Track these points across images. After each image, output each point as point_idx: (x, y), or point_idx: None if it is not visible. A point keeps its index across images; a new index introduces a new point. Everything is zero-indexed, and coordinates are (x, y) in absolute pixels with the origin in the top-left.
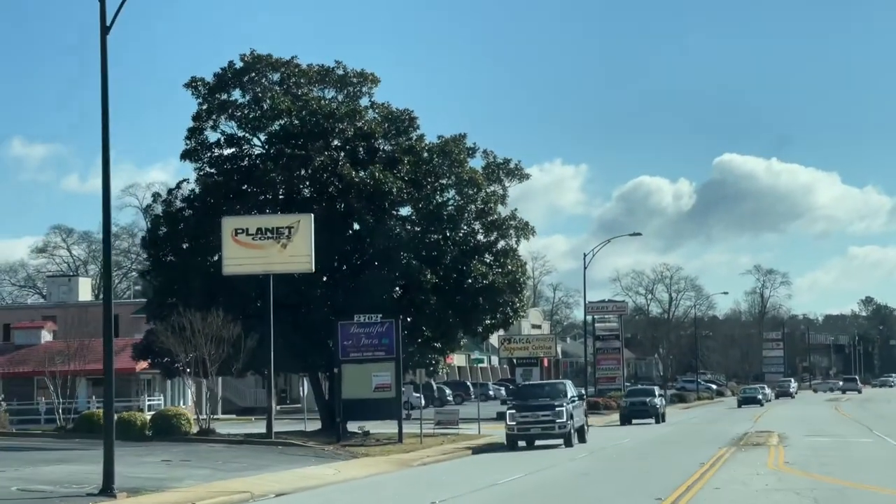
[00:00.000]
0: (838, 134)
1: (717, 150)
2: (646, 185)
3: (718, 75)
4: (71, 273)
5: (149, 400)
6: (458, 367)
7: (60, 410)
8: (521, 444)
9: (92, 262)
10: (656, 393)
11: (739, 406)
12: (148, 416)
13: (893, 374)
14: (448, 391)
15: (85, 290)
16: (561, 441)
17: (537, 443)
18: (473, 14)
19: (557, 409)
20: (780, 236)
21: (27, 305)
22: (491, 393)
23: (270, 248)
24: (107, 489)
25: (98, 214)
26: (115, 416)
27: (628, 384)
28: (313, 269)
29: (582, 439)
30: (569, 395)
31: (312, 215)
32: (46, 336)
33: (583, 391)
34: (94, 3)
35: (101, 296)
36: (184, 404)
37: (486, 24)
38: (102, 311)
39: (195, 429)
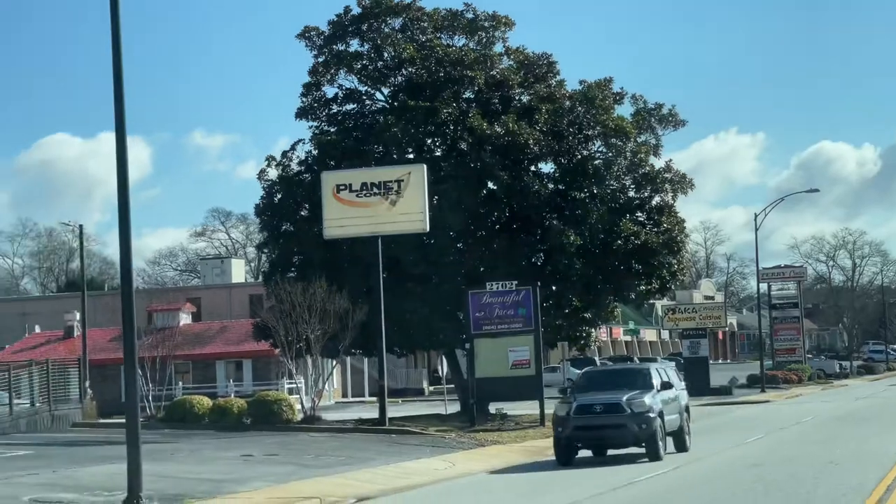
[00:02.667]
0: None
1: None
2: (827, 151)
3: None
4: (225, 256)
5: (288, 383)
6: (625, 342)
7: (150, 398)
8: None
9: (250, 245)
10: (654, 380)
11: None
12: (246, 402)
13: None
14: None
15: (238, 271)
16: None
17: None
18: None
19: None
20: None
21: (172, 288)
22: None
23: (377, 205)
24: (132, 499)
25: (253, 196)
26: (213, 402)
27: (810, 356)
28: (427, 229)
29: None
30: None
31: (425, 166)
32: (185, 318)
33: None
34: None
35: (258, 276)
36: (331, 387)
37: None
38: (121, 286)
39: (299, 416)
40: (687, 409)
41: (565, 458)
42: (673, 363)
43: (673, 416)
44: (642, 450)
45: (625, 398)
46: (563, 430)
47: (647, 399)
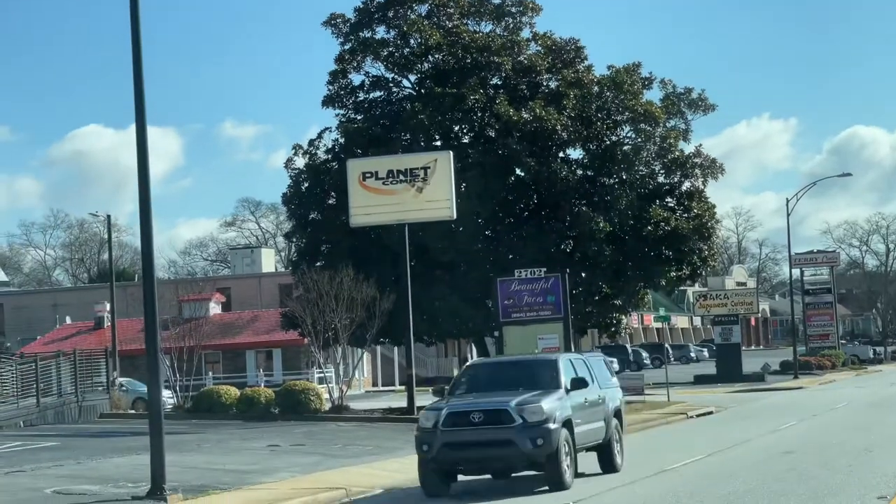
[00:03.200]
0: None
1: None
2: (860, 135)
3: None
4: (255, 245)
5: (318, 373)
6: (656, 329)
7: (178, 388)
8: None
9: (280, 234)
10: (561, 377)
11: None
12: (274, 391)
13: None
14: (645, 354)
15: (268, 261)
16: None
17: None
18: None
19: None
20: None
21: (202, 278)
22: (693, 355)
23: (404, 193)
24: (155, 490)
25: (284, 186)
26: (240, 392)
27: (843, 342)
28: (454, 216)
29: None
30: None
31: (451, 153)
32: (215, 308)
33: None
34: None
35: (286, 266)
36: (361, 376)
37: None
38: (142, 274)
39: (326, 406)
40: (618, 414)
41: (434, 487)
42: (602, 355)
43: (593, 425)
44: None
45: (514, 402)
46: (428, 450)
47: (547, 403)
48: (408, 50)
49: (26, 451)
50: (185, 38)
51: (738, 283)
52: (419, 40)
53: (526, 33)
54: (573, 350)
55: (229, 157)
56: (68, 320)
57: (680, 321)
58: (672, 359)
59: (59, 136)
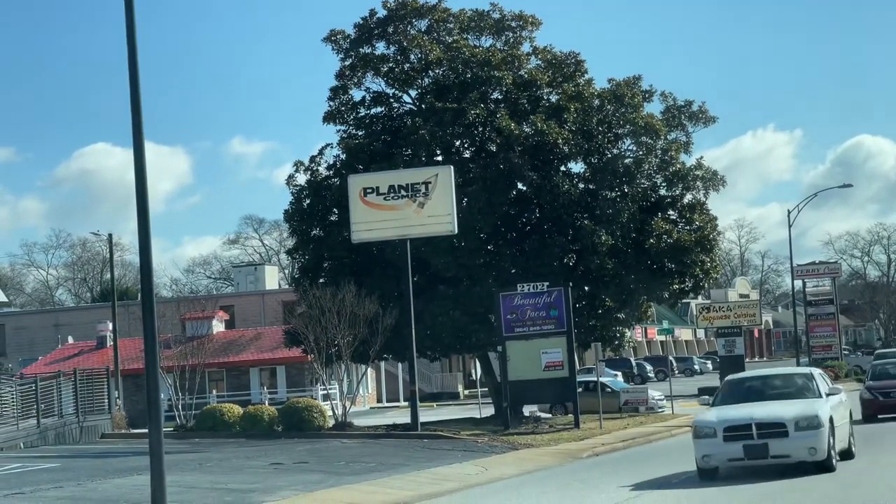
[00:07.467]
0: None
1: None
2: (865, 145)
3: None
4: (258, 262)
5: (322, 390)
6: (660, 342)
7: (180, 407)
8: None
9: (283, 251)
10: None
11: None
12: (277, 409)
13: None
14: (648, 367)
15: (271, 278)
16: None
17: None
18: None
19: None
20: None
21: (204, 296)
22: (696, 367)
23: (405, 208)
24: None
25: (284, 201)
26: (243, 410)
27: (846, 351)
28: (455, 231)
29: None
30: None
31: (452, 167)
32: (218, 326)
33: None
34: None
35: (288, 282)
36: (366, 392)
37: None
38: (141, 291)
39: (330, 422)
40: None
41: None
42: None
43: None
44: None
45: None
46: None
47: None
48: (408, 65)
49: (26, 472)
50: (194, 56)
51: (741, 295)
52: (419, 55)
53: (526, 47)
54: (576, 364)
55: (236, 175)
56: (70, 340)
57: (683, 333)
58: (676, 371)
59: (66, 156)
